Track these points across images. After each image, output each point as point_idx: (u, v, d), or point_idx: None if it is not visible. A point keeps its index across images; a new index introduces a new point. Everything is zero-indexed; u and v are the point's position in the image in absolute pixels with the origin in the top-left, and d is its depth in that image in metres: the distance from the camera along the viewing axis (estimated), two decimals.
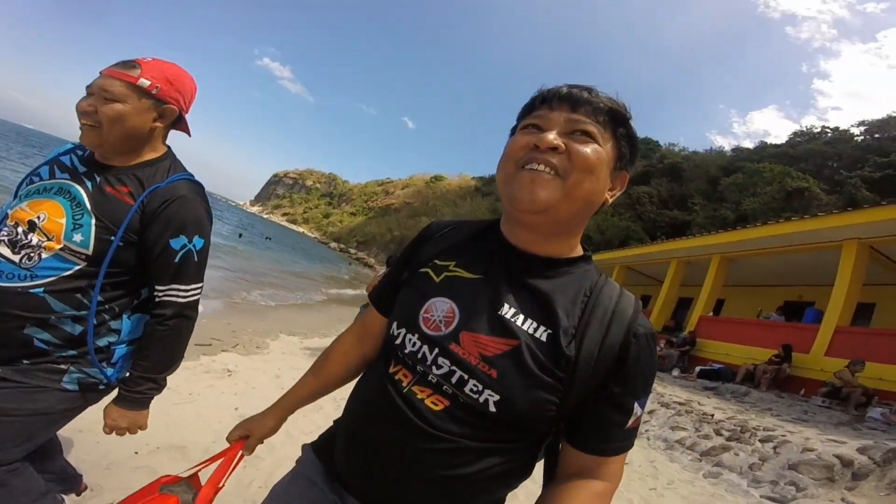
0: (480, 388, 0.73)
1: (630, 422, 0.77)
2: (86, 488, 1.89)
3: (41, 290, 1.17)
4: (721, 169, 32.92)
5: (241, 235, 33.22)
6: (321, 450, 0.94)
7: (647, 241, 22.22)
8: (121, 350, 1.34)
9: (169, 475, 1.06)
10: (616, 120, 0.78)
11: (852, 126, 35.25)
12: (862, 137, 32.83)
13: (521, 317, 0.76)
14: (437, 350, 0.76)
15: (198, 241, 1.29)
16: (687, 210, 29.14)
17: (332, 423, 0.99)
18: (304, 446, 0.99)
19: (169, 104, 1.30)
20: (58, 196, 1.22)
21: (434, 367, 0.76)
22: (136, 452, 2.31)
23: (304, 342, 6.70)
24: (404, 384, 0.78)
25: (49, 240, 1.17)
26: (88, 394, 1.30)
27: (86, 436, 2.25)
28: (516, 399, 0.72)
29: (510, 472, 0.79)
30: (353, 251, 70.57)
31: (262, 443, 1.06)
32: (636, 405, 0.77)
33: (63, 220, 1.18)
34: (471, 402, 0.73)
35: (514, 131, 0.84)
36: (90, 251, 1.19)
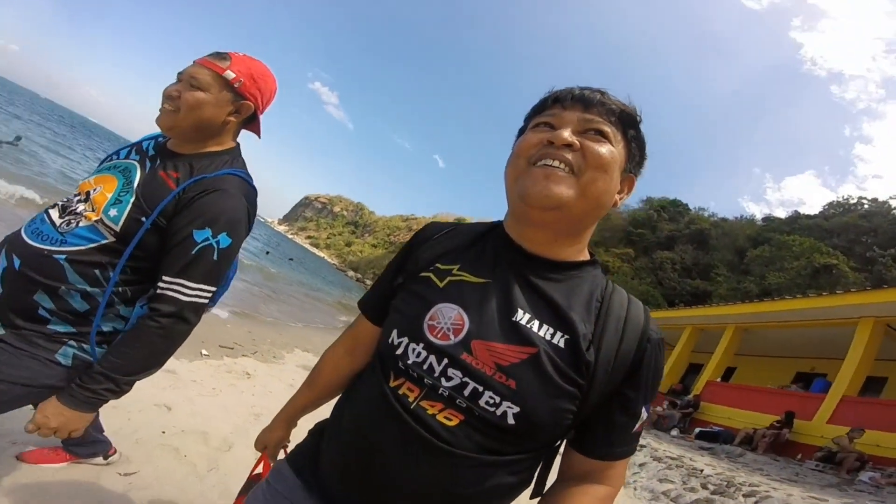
0: (498, 400, 0.68)
1: (637, 426, 0.76)
2: (115, 452, 1.97)
3: (63, 257, 1.14)
4: (749, 239, 32.61)
5: (268, 253, 34.61)
6: (299, 466, 0.87)
7: (664, 307, 22.20)
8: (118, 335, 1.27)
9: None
10: (627, 122, 0.77)
11: (891, 198, 34.39)
12: None
13: (537, 322, 0.72)
14: (445, 361, 0.71)
15: (223, 239, 1.18)
16: (710, 280, 28.73)
17: (306, 435, 0.95)
18: (278, 461, 0.94)
19: (247, 100, 1.29)
20: (119, 173, 1.23)
21: (444, 379, 0.71)
22: (164, 432, 2.45)
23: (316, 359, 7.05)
24: (411, 399, 0.72)
25: (91, 210, 1.17)
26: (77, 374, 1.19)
27: (119, 411, 2.42)
28: (537, 410, 0.69)
29: (519, 484, 0.77)
30: (368, 282, 71.11)
31: (283, 448, 1.16)
32: (643, 409, 0.76)
33: (110, 195, 1.18)
34: (486, 416, 0.69)
35: (521, 132, 0.83)
36: (118, 228, 1.15)
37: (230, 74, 1.23)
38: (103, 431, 1.93)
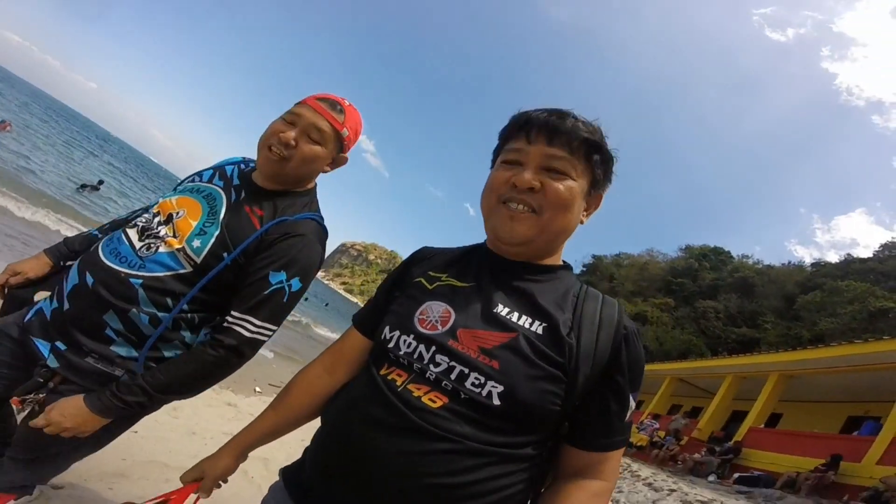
0: (483, 380, 0.71)
1: (627, 414, 0.78)
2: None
3: (140, 282, 1.12)
4: (798, 285, 31.21)
5: (326, 305, 35.94)
6: (291, 476, 0.87)
7: (707, 355, 21.32)
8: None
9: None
10: (591, 148, 0.82)
11: None
12: None
13: (516, 314, 0.78)
14: (434, 348, 0.75)
15: (295, 283, 1.19)
16: (757, 328, 27.39)
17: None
18: (279, 471, 0.93)
19: (344, 155, 1.32)
20: (204, 200, 1.22)
21: (432, 365, 0.74)
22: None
23: None
24: (398, 383, 0.75)
25: (173, 237, 1.15)
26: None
27: (196, 437, 2.65)
28: (520, 389, 0.71)
29: (513, 488, 0.73)
30: None
31: (219, 485, 0.99)
32: (631, 397, 0.78)
33: (195, 223, 1.17)
34: (473, 397, 0.71)
35: (495, 156, 0.90)
36: (199, 260, 1.14)
37: (345, 132, 1.26)
38: None
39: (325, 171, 1.33)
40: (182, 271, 1.14)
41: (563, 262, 0.92)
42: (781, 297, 30.41)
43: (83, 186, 16.74)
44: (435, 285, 0.87)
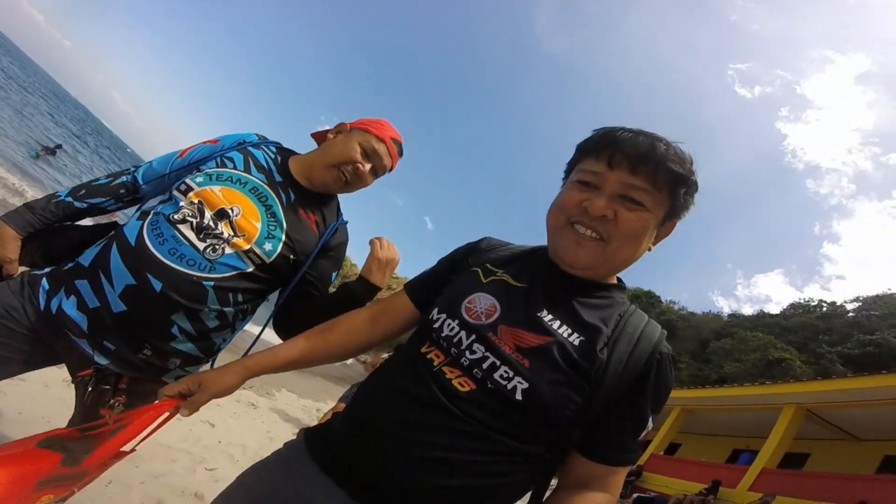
0: (511, 374, 0.74)
1: (643, 432, 0.79)
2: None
3: (212, 283, 1.14)
4: (713, 332, 34.20)
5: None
6: (314, 439, 0.87)
7: None
8: (223, 347, 1.33)
9: (65, 429, 0.86)
10: (677, 181, 0.79)
11: (847, 301, 36.77)
12: (853, 314, 34.22)
13: (558, 322, 0.79)
14: (473, 336, 0.78)
15: (333, 276, 1.38)
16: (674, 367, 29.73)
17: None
18: (300, 430, 0.96)
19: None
20: (253, 196, 1.22)
21: (468, 352, 0.77)
22: (220, 442, 3.26)
23: (301, 401, 8.02)
24: (435, 363, 0.79)
25: (238, 237, 1.16)
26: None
27: (182, 423, 3.02)
28: (543, 390, 0.73)
29: (514, 480, 0.78)
30: None
31: (208, 401, 0.88)
32: (650, 417, 0.79)
33: (259, 225, 1.19)
34: (498, 388, 0.74)
35: (569, 168, 0.89)
36: (269, 261, 1.19)
37: (393, 168, 1.38)
38: None
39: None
40: (247, 270, 1.18)
41: (618, 279, 0.92)
42: (698, 341, 33.19)
43: (45, 149, 15.37)
44: (490, 279, 0.88)
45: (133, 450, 0.87)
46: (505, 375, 0.74)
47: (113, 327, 1.11)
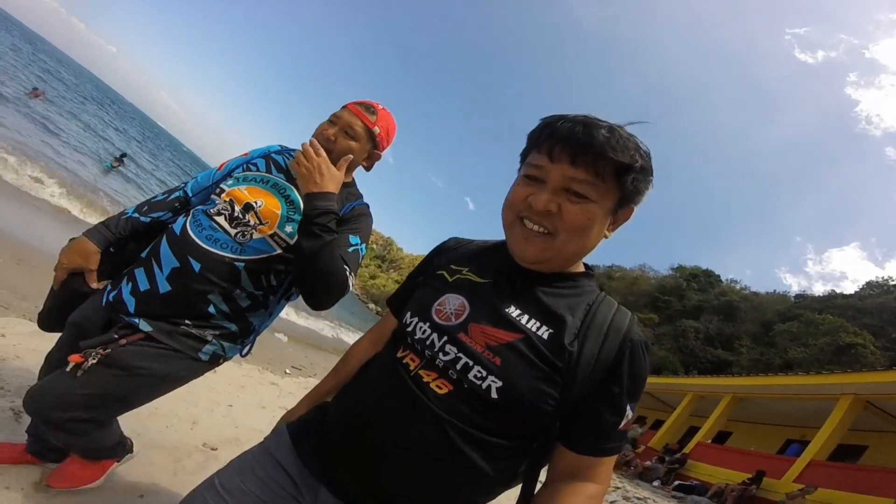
0: (484, 374, 0.75)
1: (623, 423, 0.79)
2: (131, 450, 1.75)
3: (243, 264, 1.29)
4: (778, 314, 32.42)
5: None
6: (299, 434, 0.92)
7: (681, 373, 22.76)
8: (261, 329, 1.47)
9: None
10: (621, 170, 0.77)
11: None
12: None
13: (526, 317, 0.80)
14: (445, 338, 0.80)
15: (363, 248, 1.35)
16: (733, 350, 28.74)
17: (309, 410, 1.01)
18: (280, 426, 0.99)
19: (378, 151, 1.48)
20: (274, 191, 1.37)
21: (441, 354, 0.79)
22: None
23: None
24: (412, 367, 0.81)
25: (263, 224, 1.30)
26: (208, 365, 1.39)
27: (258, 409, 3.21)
28: (517, 386, 0.74)
29: (500, 477, 0.80)
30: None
31: None
32: (628, 407, 0.78)
33: (279, 212, 1.32)
34: (474, 388, 0.76)
35: (522, 160, 0.88)
36: (292, 242, 1.31)
37: (377, 130, 1.41)
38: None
39: (364, 166, 1.51)
40: (274, 252, 1.33)
41: (586, 266, 0.92)
42: (760, 323, 31.62)
43: (116, 159, 16.81)
44: (455, 278, 0.91)
45: None
46: (479, 375, 0.76)
47: (159, 307, 1.27)
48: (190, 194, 1.51)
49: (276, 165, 1.45)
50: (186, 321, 1.29)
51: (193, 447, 2.30)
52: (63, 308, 1.39)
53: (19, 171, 6.21)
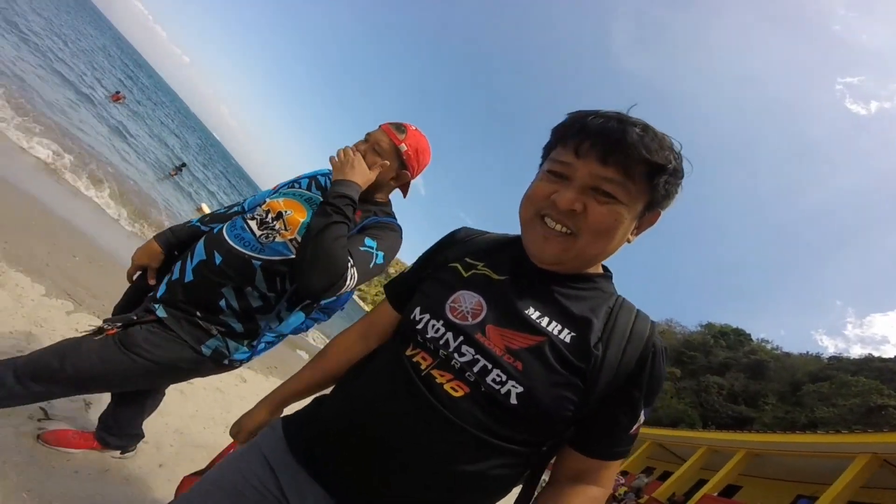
0: (504, 378, 0.71)
1: (635, 427, 0.77)
2: (133, 449, 1.98)
3: (259, 263, 1.33)
4: (809, 375, 31.12)
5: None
6: (293, 430, 0.86)
7: (698, 427, 22.08)
8: (268, 338, 1.48)
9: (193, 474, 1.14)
10: (654, 171, 0.73)
11: None
12: None
13: (546, 319, 0.76)
14: (461, 338, 0.75)
15: (380, 256, 1.33)
16: (756, 408, 27.53)
17: (308, 403, 0.94)
18: (275, 421, 0.92)
19: (406, 171, 1.48)
20: (307, 204, 1.42)
21: (457, 354, 0.74)
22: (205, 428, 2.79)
23: None
24: (423, 366, 0.75)
25: (286, 230, 1.34)
26: (210, 364, 1.39)
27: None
28: (539, 393, 0.70)
29: (509, 481, 0.78)
30: None
31: (254, 436, 0.98)
32: (643, 412, 0.77)
33: (303, 220, 1.35)
34: (492, 392, 0.71)
35: (545, 154, 0.83)
36: None
37: (403, 147, 1.45)
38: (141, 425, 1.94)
39: (392, 184, 1.51)
40: (290, 256, 1.34)
41: (604, 268, 0.89)
42: (789, 383, 30.35)
43: (175, 168, 17.28)
44: (470, 273, 0.85)
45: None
46: (498, 379, 0.71)
47: (180, 295, 1.34)
48: (246, 209, 1.59)
49: (317, 184, 1.52)
50: (198, 312, 1.34)
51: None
52: (131, 302, 1.54)
53: (79, 173, 6.56)
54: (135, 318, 1.33)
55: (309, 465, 0.79)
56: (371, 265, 1.30)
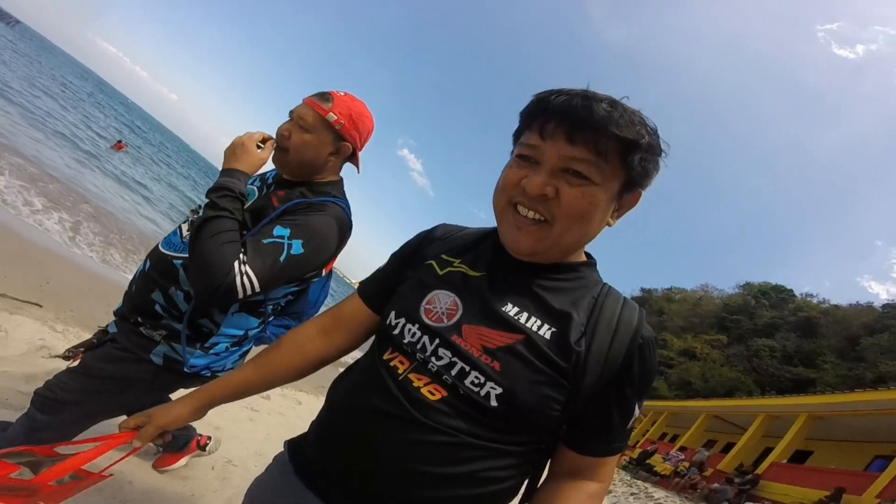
0: (482, 380, 0.69)
1: (630, 422, 0.76)
2: (207, 440, 2.19)
3: (180, 262, 1.26)
4: (865, 327, 29.63)
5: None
6: (294, 447, 0.86)
7: (756, 393, 21.40)
8: (220, 344, 1.36)
9: (39, 447, 0.85)
10: (626, 148, 0.69)
11: None
12: None
13: (525, 314, 0.73)
14: (437, 341, 0.73)
15: (296, 245, 1.18)
16: (815, 367, 26.44)
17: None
18: (285, 442, 0.91)
19: (346, 142, 1.35)
20: None
21: (434, 357, 0.72)
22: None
23: None
24: (400, 371, 0.74)
25: None
26: (168, 374, 1.32)
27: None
28: (519, 393, 0.68)
29: (505, 479, 0.74)
30: None
31: (160, 434, 0.88)
32: (636, 406, 0.75)
33: None
34: (471, 395, 0.69)
35: (515, 140, 0.79)
36: None
37: (332, 117, 1.30)
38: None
39: (332, 159, 1.37)
40: None
41: (587, 256, 0.85)
42: (845, 338, 28.96)
43: (193, 210, 16.84)
44: (446, 271, 0.82)
45: (111, 474, 0.87)
46: (476, 381, 0.69)
47: (127, 306, 1.34)
48: None
49: (262, 178, 1.47)
50: (140, 319, 1.31)
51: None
52: None
53: (103, 247, 6.48)
54: (95, 341, 1.33)
55: (309, 482, 0.78)
56: (282, 258, 1.16)
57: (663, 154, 0.74)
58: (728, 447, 15.17)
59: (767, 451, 13.68)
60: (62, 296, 3.89)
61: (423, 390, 0.71)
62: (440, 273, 0.82)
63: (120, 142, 20.16)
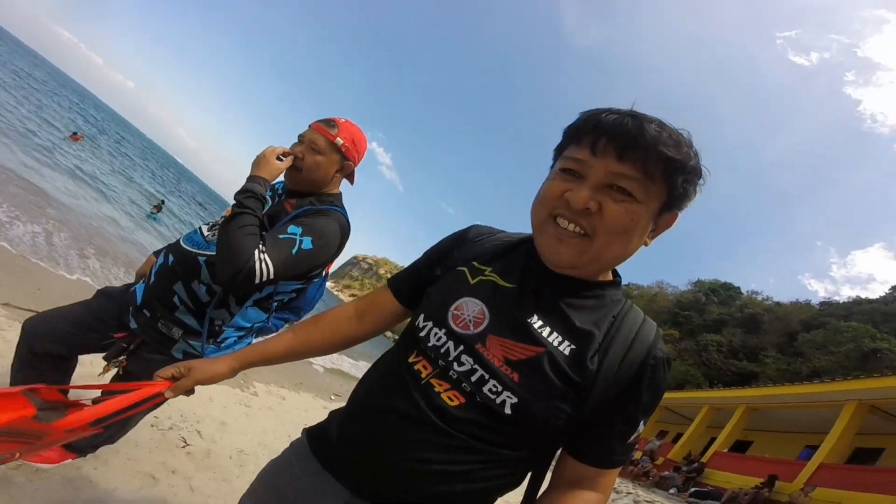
0: (500, 389, 0.72)
1: (633, 436, 0.77)
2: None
3: (204, 259, 1.42)
4: (802, 324, 32.00)
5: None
6: (315, 436, 0.89)
7: (705, 387, 22.92)
8: (230, 337, 1.54)
9: (46, 386, 0.81)
10: (672, 168, 0.71)
11: None
12: None
13: (548, 329, 0.75)
14: (461, 347, 0.75)
15: (307, 242, 1.36)
16: (758, 362, 28.46)
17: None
18: (303, 429, 0.95)
19: (349, 161, 1.60)
20: None
21: (456, 364, 0.75)
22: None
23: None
24: (423, 375, 0.77)
25: None
26: None
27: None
28: (533, 404, 0.71)
29: (502, 483, 0.79)
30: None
31: (191, 390, 0.93)
32: (641, 422, 0.77)
33: None
34: (487, 402, 0.72)
35: (556, 155, 0.81)
36: None
37: (339, 142, 1.54)
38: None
39: (337, 176, 1.61)
40: None
41: (614, 274, 0.87)
42: (785, 333, 31.23)
43: (155, 207, 16.43)
44: (477, 280, 0.84)
45: (100, 429, 0.84)
46: (494, 389, 0.72)
47: (148, 299, 1.46)
48: None
49: (272, 189, 1.64)
50: (158, 314, 1.44)
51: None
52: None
53: (57, 258, 5.69)
54: (125, 345, 1.45)
55: (327, 465, 0.82)
56: (294, 251, 1.34)
57: (702, 180, 0.75)
58: (678, 437, 16.34)
59: (713, 440, 14.90)
60: (56, 302, 3.86)
61: (444, 395, 0.74)
62: (471, 282, 0.84)
63: (75, 133, 19.38)
